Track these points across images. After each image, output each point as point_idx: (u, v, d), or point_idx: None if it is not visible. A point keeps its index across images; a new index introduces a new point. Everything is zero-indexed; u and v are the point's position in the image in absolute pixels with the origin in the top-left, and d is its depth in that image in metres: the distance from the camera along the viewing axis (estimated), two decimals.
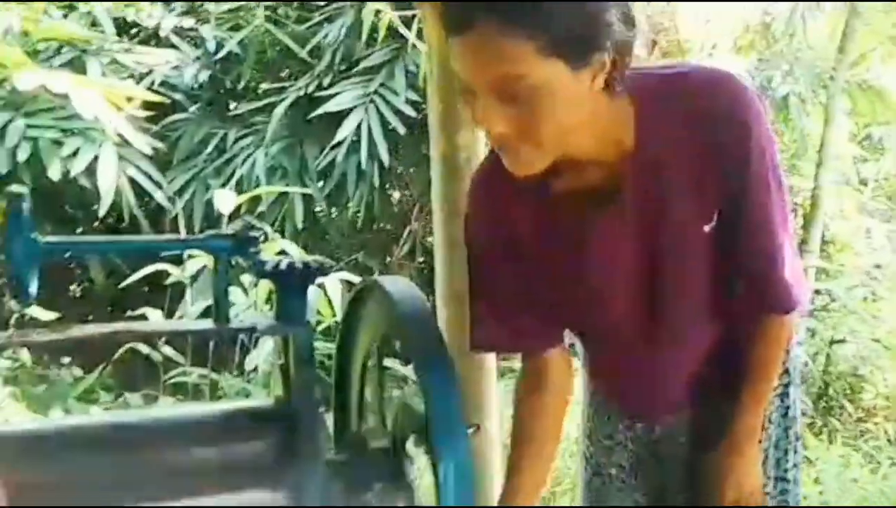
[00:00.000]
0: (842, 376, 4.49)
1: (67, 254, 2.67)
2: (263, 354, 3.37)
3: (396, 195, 5.15)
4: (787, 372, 1.48)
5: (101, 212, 3.84)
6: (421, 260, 4.78)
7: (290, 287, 1.19)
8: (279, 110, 4.32)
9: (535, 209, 1.28)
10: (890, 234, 6.92)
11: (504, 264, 1.34)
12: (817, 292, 5.14)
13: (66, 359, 4.19)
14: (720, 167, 1.22)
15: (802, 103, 5.83)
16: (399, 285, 1.19)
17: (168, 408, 1.38)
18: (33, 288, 1.08)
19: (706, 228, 1.25)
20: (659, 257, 1.27)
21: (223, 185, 4.17)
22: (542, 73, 1.05)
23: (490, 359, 2.47)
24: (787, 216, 1.31)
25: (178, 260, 3.55)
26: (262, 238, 1.20)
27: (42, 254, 1.08)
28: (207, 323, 1.22)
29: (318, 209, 4.74)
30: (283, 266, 1.17)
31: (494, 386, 2.50)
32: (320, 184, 4.42)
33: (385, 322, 1.21)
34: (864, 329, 4.86)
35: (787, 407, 1.50)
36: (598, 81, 1.10)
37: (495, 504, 1.46)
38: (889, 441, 3.72)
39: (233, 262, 1.22)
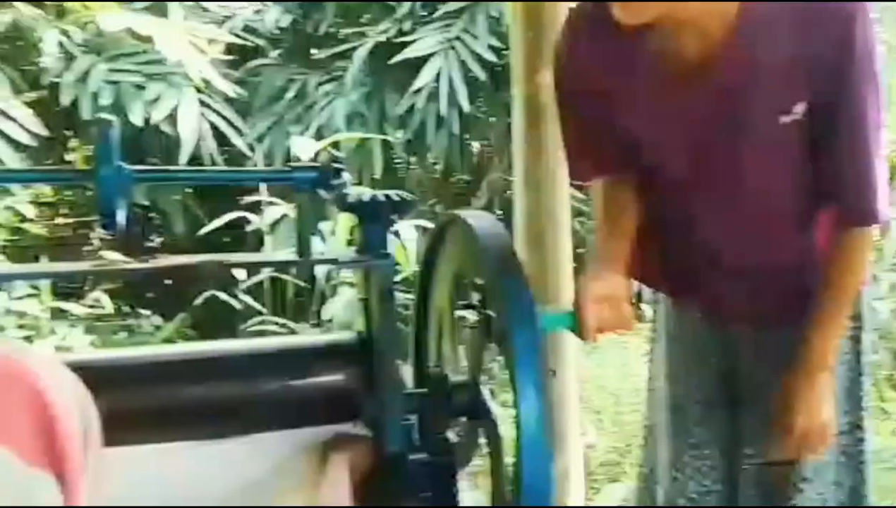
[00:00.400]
0: None
1: (155, 182, 2.73)
2: (341, 303, 3.42)
3: (475, 145, 5.13)
4: (858, 316, 1.45)
5: (183, 159, 3.92)
6: (499, 211, 4.77)
7: (372, 220, 1.20)
8: (359, 55, 4.33)
9: (629, 62, 1.29)
10: None
11: (592, 107, 1.37)
12: None
13: (146, 311, 4.31)
14: (820, 59, 1.21)
15: (890, 52, 5.58)
16: (482, 220, 1.20)
17: (251, 341, 1.42)
18: (121, 218, 1.11)
19: (785, 118, 1.24)
20: (740, 139, 1.28)
21: (303, 132, 4.21)
22: None
23: (567, 307, 2.45)
24: (880, 126, 1.29)
25: (256, 209, 3.62)
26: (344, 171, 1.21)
27: (130, 182, 1.11)
28: (290, 255, 1.24)
29: (396, 158, 4.76)
30: (366, 198, 1.18)
31: (572, 338, 2.49)
32: (399, 132, 4.42)
33: (467, 255, 1.22)
34: None
35: (859, 353, 1.47)
36: None
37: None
38: None
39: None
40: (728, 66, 1.23)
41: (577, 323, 1.34)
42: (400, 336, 1.22)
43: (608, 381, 3.34)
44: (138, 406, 1.10)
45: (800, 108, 1.24)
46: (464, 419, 1.22)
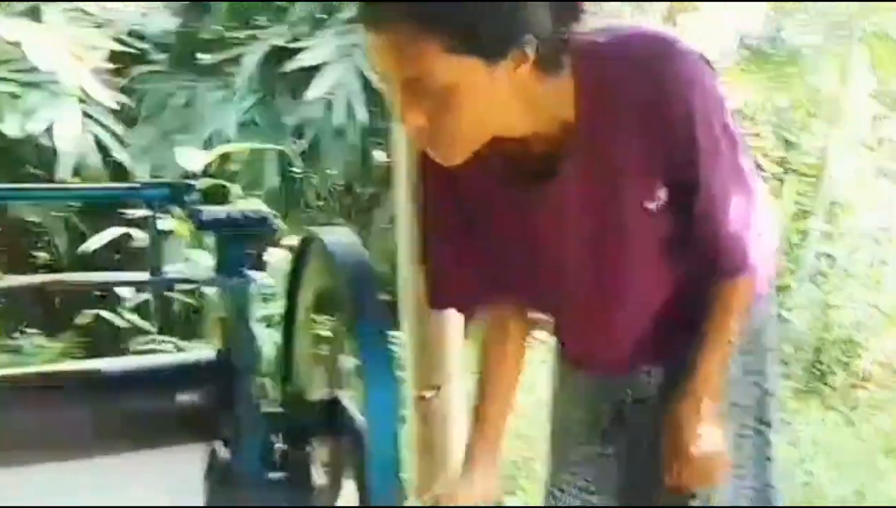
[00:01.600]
0: (837, 341, 4.58)
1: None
2: None
3: (378, 157, 5.16)
4: (761, 331, 1.52)
5: (62, 174, 3.85)
6: None
7: (228, 238, 1.25)
8: (250, 60, 4.32)
9: (483, 179, 1.31)
10: None
11: (456, 228, 1.39)
12: (818, 256, 5.22)
13: (32, 330, 4.23)
14: (664, 144, 1.26)
15: (815, 53, 5.83)
16: (339, 238, 1.26)
17: (110, 360, 1.45)
18: None
19: (650, 205, 1.29)
20: (602, 229, 1.32)
21: (192, 142, 4.20)
22: (455, 70, 1.08)
23: (455, 321, 2.53)
24: (744, 179, 1.34)
25: (144, 224, 3.60)
26: (198, 185, 1.26)
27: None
28: (142, 275, 1.28)
29: (294, 170, 4.77)
30: (220, 216, 1.23)
31: (458, 348, 2.56)
32: (296, 143, 4.44)
33: (326, 272, 1.28)
34: (863, 294, 4.94)
35: (763, 370, 1.54)
36: (522, 69, 1.12)
37: (458, 460, 1.53)
38: (876, 407, 3.82)
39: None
40: (580, 162, 1.26)
41: None
42: (257, 353, 1.27)
43: None
44: None
45: (661, 193, 1.28)
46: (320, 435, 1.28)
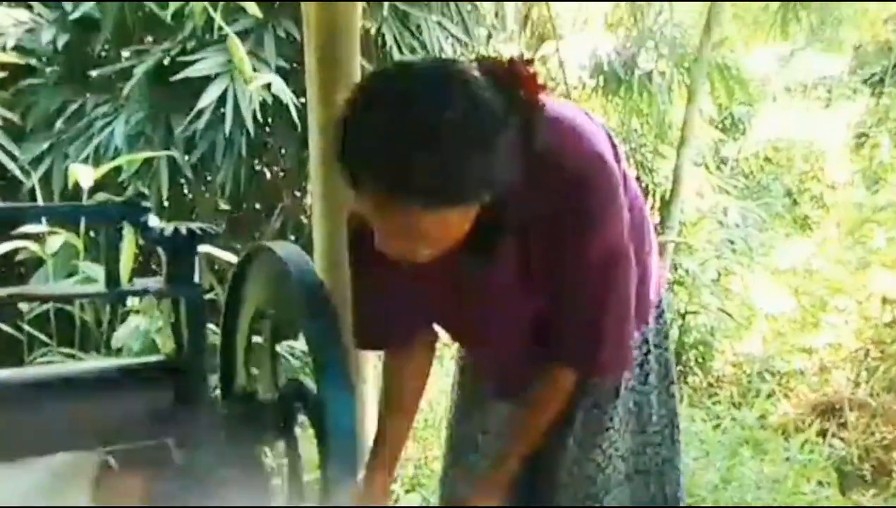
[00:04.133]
0: (694, 345, 4.87)
1: None
2: (128, 331, 3.38)
3: (268, 173, 5.14)
4: (646, 341, 1.65)
5: None
6: (293, 238, 4.84)
7: (178, 251, 1.29)
8: (138, 71, 4.24)
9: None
10: (744, 212, 7.45)
11: (379, 283, 1.44)
12: (674, 267, 5.53)
13: None
14: (558, 254, 1.35)
15: (665, 81, 6.15)
16: (288, 249, 1.32)
17: (57, 365, 1.46)
18: None
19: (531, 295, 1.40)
20: (493, 303, 1.44)
21: (82, 155, 4.10)
22: (431, 219, 1.15)
23: None
24: (625, 291, 1.43)
25: (33, 238, 3.51)
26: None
27: None
28: (99, 287, 1.31)
29: (183, 185, 4.71)
30: (171, 231, 1.27)
31: (372, 353, 2.63)
32: (187, 156, 4.39)
33: (273, 283, 1.33)
34: (714, 301, 5.26)
35: (668, 368, 1.70)
36: (485, 199, 1.19)
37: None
38: (733, 403, 4.09)
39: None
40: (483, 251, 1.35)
41: None
42: (208, 357, 1.31)
43: None
44: None
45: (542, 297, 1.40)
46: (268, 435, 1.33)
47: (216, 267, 3.66)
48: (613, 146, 1.44)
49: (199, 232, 1.29)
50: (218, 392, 1.47)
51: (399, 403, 1.60)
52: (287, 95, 4.10)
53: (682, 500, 1.75)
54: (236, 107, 4.18)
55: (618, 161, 1.42)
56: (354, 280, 1.49)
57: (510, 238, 1.35)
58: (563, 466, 1.65)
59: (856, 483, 3.62)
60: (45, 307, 3.40)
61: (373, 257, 1.25)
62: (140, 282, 1.34)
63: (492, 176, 1.16)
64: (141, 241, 1.43)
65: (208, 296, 3.24)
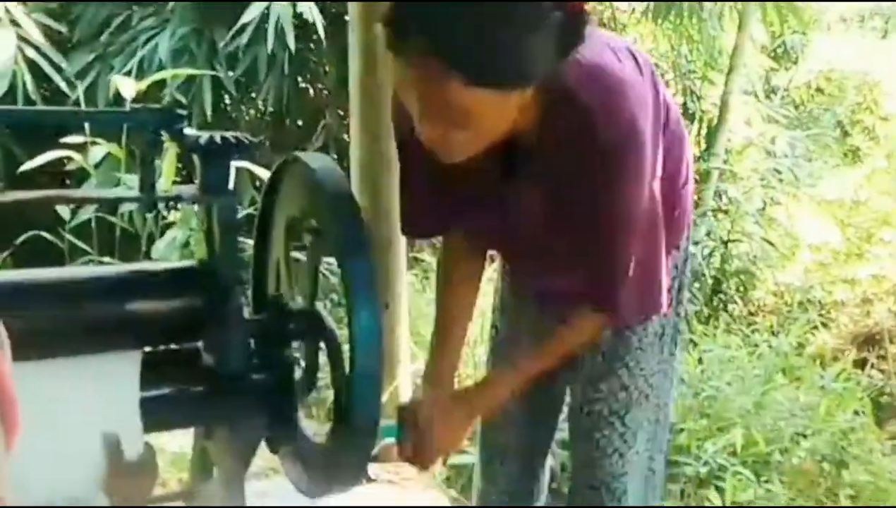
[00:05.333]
0: (735, 273, 4.81)
1: None
2: (167, 244, 3.42)
3: (311, 91, 5.13)
4: (675, 266, 1.64)
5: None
6: (335, 156, 4.84)
7: (214, 159, 1.28)
8: None
9: None
10: (792, 142, 7.29)
11: (424, 165, 1.41)
12: (718, 195, 5.44)
13: None
14: (585, 176, 1.31)
15: (716, 6, 5.98)
16: (320, 160, 1.31)
17: (93, 268, 1.47)
18: None
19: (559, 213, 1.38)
20: (525, 217, 1.42)
21: (126, 67, 4.11)
22: (473, 99, 1.13)
23: (400, 247, 2.62)
24: (654, 229, 1.42)
25: (77, 149, 3.54)
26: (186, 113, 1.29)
27: None
28: (134, 192, 1.31)
29: (226, 101, 4.72)
30: (207, 139, 1.26)
31: (404, 271, 2.65)
32: (230, 73, 4.38)
33: (305, 192, 1.33)
34: (758, 230, 5.18)
35: (679, 302, 1.69)
36: (527, 94, 1.19)
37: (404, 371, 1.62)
38: (772, 332, 4.05)
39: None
40: (519, 162, 1.35)
41: (402, 434, 1.50)
42: (242, 266, 1.31)
43: None
44: None
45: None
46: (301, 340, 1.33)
47: (256, 183, 3.67)
48: (654, 80, 1.41)
49: (233, 140, 1.28)
50: (251, 299, 1.48)
51: (453, 308, 1.61)
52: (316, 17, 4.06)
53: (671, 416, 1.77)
54: (279, 23, 4.16)
55: (656, 91, 1.40)
56: (401, 165, 1.52)
57: (540, 168, 1.34)
58: (590, 381, 1.66)
59: (892, 414, 3.59)
60: (86, 217, 3.46)
61: (417, 147, 1.26)
62: (175, 189, 1.33)
63: (534, 63, 1.14)
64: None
65: (247, 211, 3.27)
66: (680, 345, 1.74)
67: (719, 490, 2.51)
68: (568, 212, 1.36)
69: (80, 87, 4.08)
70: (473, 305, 1.66)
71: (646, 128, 1.31)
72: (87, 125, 3.45)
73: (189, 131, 1.28)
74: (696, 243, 4.59)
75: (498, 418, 1.80)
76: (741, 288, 4.82)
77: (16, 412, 0.72)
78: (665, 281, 1.51)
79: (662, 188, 1.44)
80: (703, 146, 6.08)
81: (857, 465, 2.73)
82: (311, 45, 4.66)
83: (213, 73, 4.18)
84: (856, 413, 3.06)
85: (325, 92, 5.06)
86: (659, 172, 1.41)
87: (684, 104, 6.50)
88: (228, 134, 1.28)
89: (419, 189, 1.51)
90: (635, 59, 1.38)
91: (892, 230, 4.62)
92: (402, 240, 2.61)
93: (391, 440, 1.53)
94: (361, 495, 2.47)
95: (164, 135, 1.30)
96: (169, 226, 3.53)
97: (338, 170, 1.30)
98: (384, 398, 2.23)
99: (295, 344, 1.35)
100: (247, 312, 1.35)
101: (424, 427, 1.48)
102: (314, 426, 1.44)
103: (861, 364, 3.79)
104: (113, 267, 1.34)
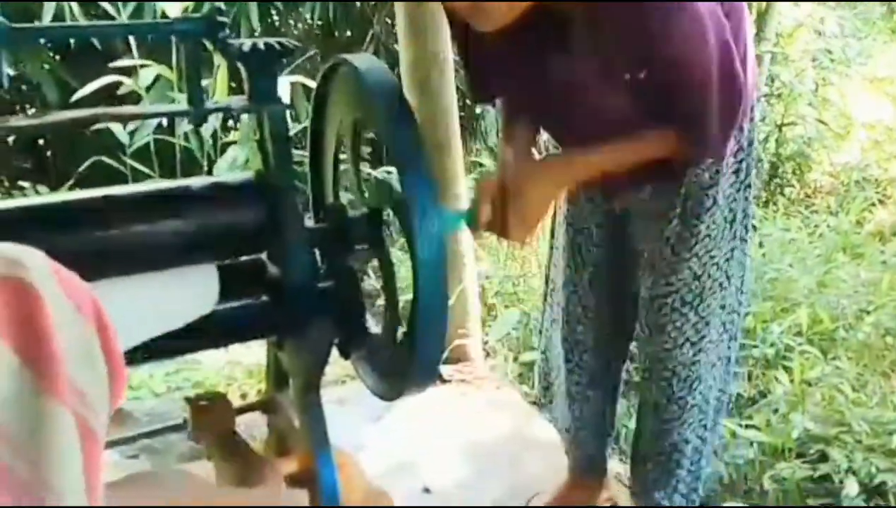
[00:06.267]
0: (791, 157, 4.64)
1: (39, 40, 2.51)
2: (227, 164, 3.39)
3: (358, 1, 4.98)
4: (741, 148, 1.57)
5: (46, 19, 3.69)
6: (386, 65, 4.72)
7: (259, 67, 1.22)
8: None
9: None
10: (841, 21, 6.94)
11: (472, 37, 1.39)
12: (771, 79, 5.22)
13: (26, 183, 4.14)
14: (644, 28, 1.25)
15: None
16: (368, 61, 1.23)
17: (150, 183, 1.43)
18: (5, 72, 1.10)
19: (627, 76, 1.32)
20: (591, 85, 1.37)
21: None
22: None
23: (458, 150, 2.54)
24: (728, 66, 1.34)
25: (127, 73, 3.49)
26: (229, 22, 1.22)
27: (8, 37, 1.09)
28: (182, 106, 1.25)
29: (275, 17, 4.60)
30: (251, 46, 1.20)
31: (462, 174, 2.58)
32: None
33: (355, 96, 1.26)
34: (811, 112, 4.97)
35: (743, 183, 1.61)
36: None
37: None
38: (830, 212, 3.92)
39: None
40: (574, 29, 1.30)
41: (474, 219, 1.37)
42: (296, 175, 1.26)
43: None
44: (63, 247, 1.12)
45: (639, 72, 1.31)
46: (360, 247, 1.28)
47: (309, 94, 3.59)
48: None
49: (277, 46, 1.21)
50: (310, 210, 1.43)
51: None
52: None
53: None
54: None
55: None
56: (457, 41, 1.53)
57: (588, 29, 1.29)
58: (662, 273, 1.60)
59: None
60: (144, 140, 3.43)
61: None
62: (224, 101, 1.27)
63: None
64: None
65: (304, 125, 3.21)
66: (751, 230, 1.66)
67: (787, 369, 2.45)
68: (631, 65, 1.31)
69: (125, 10, 4.01)
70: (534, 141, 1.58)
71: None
72: (132, 43, 3.39)
73: (231, 40, 1.21)
74: None
75: (576, 307, 1.75)
76: (797, 171, 4.65)
77: (123, 386, 0.70)
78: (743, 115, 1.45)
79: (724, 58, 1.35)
80: (754, 30, 5.81)
81: None
82: None
83: None
84: None
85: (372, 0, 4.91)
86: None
87: None
88: (272, 40, 1.22)
89: (476, 61, 1.49)
90: None
91: None
92: (458, 142, 2.53)
93: (463, 225, 1.40)
94: (436, 396, 2.49)
95: (210, 47, 1.23)
96: (228, 145, 3.50)
97: (387, 70, 1.22)
98: (451, 300, 2.20)
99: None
100: (308, 221, 1.30)
101: (512, 192, 1.37)
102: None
103: None
104: (172, 183, 1.29)
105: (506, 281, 3.14)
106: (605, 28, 1.28)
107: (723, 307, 1.63)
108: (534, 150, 1.56)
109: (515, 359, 2.79)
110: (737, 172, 1.57)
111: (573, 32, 1.31)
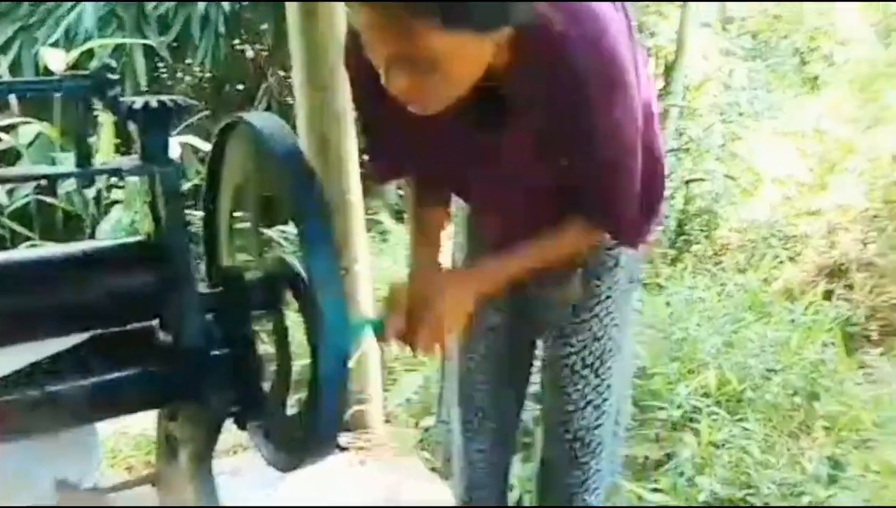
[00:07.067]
0: (698, 213, 4.87)
1: None
2: (111, 225, 3.37)
3: (249, 51, 5.05)
4: None
5: None
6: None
7: (151, 126, 1.26)
8: None
9: None
10: (751, 73, 7.34)
11: (387, 111, 1.37)
12: (679, 133, 5.48)
13: None
14: (572, 107, 1.28)
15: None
16: (265, 119, 1.28)
17: (39, 249, 1.44)
18: None
19: (543, 154, 1.36)
20: (500, 167, 1.41)
21: (51, 39, 4.02)
22: (447, 43, 1.08)
23: (358, 208, 2.60)
24: (646, 150, 1.38)
25: (6, 129, 3.47)
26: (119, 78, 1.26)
27: None
28: (70, 167, 1.28)
29: (162, 69, 4.63)
30: (142, 104, 1.24)
31: (363, 232, 2.64)
32: (162, 37, 4.30)
33: (252, 157, 1.31)
34: (720, 167, 5.24)
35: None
36: (504, 33, 1.15)
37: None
38: (739, 269, 4.12)
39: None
40: (488, 102, 1.30)
41: (382, 329, 1.44)
42: (190, 235, 1.30)
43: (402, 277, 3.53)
44: None
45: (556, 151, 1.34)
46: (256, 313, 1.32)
47: (199, 154, 3.63)
48: (629, 20, 1.38)
49: (171, 104, 1.26)
50: (205, 272, 1.47)
51: (427, 226, 1.60)
52: None
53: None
54: None
55: (630, 30, 1.38)
56: (360, 111, 1.52)
57: (518, 108, 1.32)
58: (562, 334, 1.68)
59: (861, 343, 3.68)
60: (23, 200, 3.40)
61: (378, 92, 1.22)
62: (113, 161, 1.31)
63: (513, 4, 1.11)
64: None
65: (194, 183, 3.24)
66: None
67: (695, 431, 2.57)
68: (559, 145, 1.33)
69: (4, 63, 3.99)
70: (444, 227, 1.64)
71: (627, 55, 1.29)
72: (13, 99, 3.37)
73: (123, 98, 1.26)
74: None
75: (473, 374, 1.82)
76: (705, 228, 4.88)
77: None
78: (663, 198, 1.51)
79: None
80: (662, 84, 6.10)
81: (829, 396, 2.81)
82: (247, 3, 4.57)
83: (143, 40, 4.10)
84: (825, 345, 3.14)
85: (265, 52, 4.99)
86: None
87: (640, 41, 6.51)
88: (165, 97, 1.26)
89: (382, 134, 1.49)
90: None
91: (855, 157, 4.69)
92: (359, 200, 2.60)
93: (370, 332, 1.47)
94: (334, 464, 2.51)
95: (98, 105, 1.27)
96: (112, 205, 3.49)
97: (287, 130, 1.27)
98: (350, 364, 2.24)
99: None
100: (202, 286, 1.34)
101: (422, 303, 1.42)
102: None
103: (828, 295, 3.87)
104: (57, 248, 1.31)
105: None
106: (540, 105, 1.31)
107: (621, 370, 1.72)
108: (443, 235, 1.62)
109: (416, 425, 2.84)
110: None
111: (506, 108, 1.32)
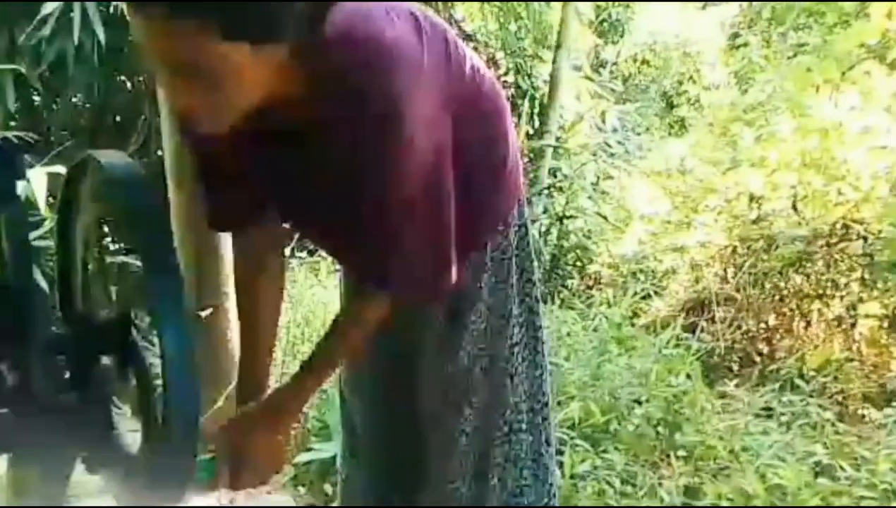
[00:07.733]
0: (571, 248, 4.99)
1: None
2: None
3: (128, 83, 4.92)
4: (503, 247, 1.62)
5: None
6: (159, 152, 4.68)
7: None
8: None
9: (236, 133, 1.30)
10: (622, 116, 7.60)
11: (211, 156, 1.41)
12: (552, 172, 5.62)
13: None
14: (355, 151, 1.27)
15: None
16: (114, 158, 1.25)
17: None
18: None
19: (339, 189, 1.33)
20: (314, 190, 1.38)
21: None
22: (220, 55, 1.08)
23: (227, 245, 2.56)
24: (439, 206, 1.35)
25: None
26: None
27: None
28: None
29: (35, 100, 4.47)
30: None
31: (231, 271, 2.59)
32: (35, 67, 4.16)
33: (101, 197, 1.27)
34: (592, 205, 5.39)
35: (508, 272, 1.66)
36: (285, 51, 1.14)
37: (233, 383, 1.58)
38: (608, 304, 4.23)
39: None
40: (282, 132, 1.29)
41: (213, 473, 1.46)
42: (37, 277, 1.25)
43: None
44: None
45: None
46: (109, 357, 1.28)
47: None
48: (447, 45, 1.37)
49: (15, 140, 1.22)
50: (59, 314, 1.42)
51: (258, 320, 1.58)
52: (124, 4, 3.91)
53: (546, 401, 1.76)
54: (84, 12, 3.98)
55: (448, 56, 1.36)
56: (192, 157, 1.48)
57: (315, 146, 1.30)
58: (424, 368, 1.65)
59: (722, 374, 3.82)
60: None
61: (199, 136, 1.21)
62: None
63: (288, 13, 1.11)
64: None
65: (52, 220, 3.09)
66: (540, 330, 1.71)
67: (559, 463, 2.60)
68: (344, 189, 1.31)
69: None
70: (278, 311, 1.60)
71: (419, 98, 1.26)
72: None
73: None
74: (532, 221, 4.73)
75: (349, 423, 1.79)
76: (578, 263, 5.00)
77: None
78: (454, 261, 1.44)
79: (473, 168, 1.43)
80: (536, 124, 6.25)
81: (690, 427, 2.90)
82: (125, 35, 4.47)
83: (13, 66, 3.95)
84: (687, 376, 3.24)
85: (144, 84, 4.87)
86: (449, 141, 1.34)
87: (516, 82, 6.66)
88: (9, 133, 1.22)
89: (213, 181, 1.47)
90: (417, 21, 1.32)
91: (715, 197, 4.89)
92: (227, 241, 2.55)
93: (207, 477, 1.49)
94: (202, 504, 2.44)
95: None
96: None
97: (135, 167, 1.24)
98: (220, 402, 2.19)
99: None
100: (53, 327, 1.29)
101: (235, 451, 1.44)
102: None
103: (692, 328, 4.01)
104: None
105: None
106: (323, 139, 1.28)
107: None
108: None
109: (289, 462, 2.79)
110: (501, 264, 1.63)
111: (304, 143, 1.30)
